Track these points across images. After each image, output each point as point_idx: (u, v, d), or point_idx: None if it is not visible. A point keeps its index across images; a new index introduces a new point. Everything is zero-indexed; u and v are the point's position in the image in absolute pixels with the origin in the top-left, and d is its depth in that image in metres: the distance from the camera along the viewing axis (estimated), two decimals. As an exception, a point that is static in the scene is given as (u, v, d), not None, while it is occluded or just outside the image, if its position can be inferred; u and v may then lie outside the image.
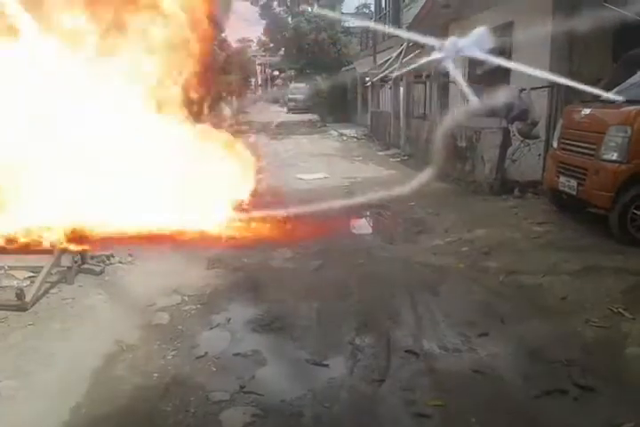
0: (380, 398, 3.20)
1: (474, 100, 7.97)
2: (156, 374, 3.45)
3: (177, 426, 2.94)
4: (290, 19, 35.99)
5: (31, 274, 5.02)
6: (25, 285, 4.82)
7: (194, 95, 5.66)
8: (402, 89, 15.78)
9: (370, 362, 3.61)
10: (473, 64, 12.70)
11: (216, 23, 5.90)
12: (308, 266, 5.51)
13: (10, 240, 4.70)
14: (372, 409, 3.11)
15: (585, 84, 8.12)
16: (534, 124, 8.96)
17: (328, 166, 12.35)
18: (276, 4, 37.95)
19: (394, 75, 15.04)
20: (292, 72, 38.40)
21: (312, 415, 3.03)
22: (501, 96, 8.74)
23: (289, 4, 36.97)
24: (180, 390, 3.27)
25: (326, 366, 3.57)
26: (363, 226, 7.75)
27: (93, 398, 3.19)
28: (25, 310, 4.37)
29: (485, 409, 3.09)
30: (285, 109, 36.63)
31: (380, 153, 15.31)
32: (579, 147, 6.70)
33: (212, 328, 4.13)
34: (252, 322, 4.22)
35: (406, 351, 3.73)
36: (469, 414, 3.03)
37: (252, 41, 49.13)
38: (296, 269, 5.46)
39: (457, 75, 8.19)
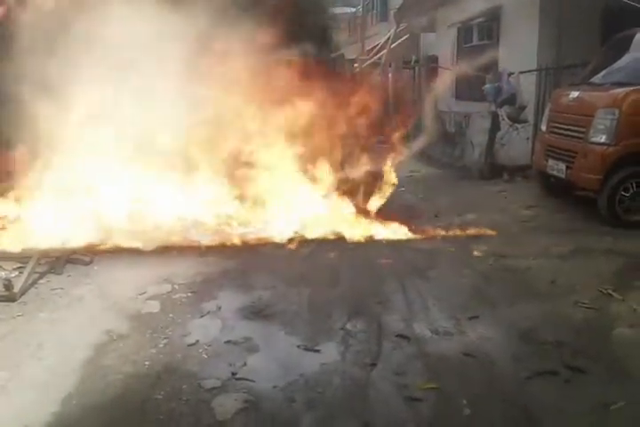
0: (372, 383, 3.20)
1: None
2: (147, 363, 3.43)
3: (169, 414, 2.93)
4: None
5: (19, 264, 4.99)
6: (13, 275, 4.79)
7: None
8: (390, 75, 15.70)
9: (361, 347, 3.61)
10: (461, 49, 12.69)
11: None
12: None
13: None
14: (364, 394, 3.11)
15: (573, 67, 8.15)
16: (522, 107, 8.98)
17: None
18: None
19: (382, 60, 14.96)
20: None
21: (304, 401, 3.03)
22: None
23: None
24: (171, 378, 3.26)
25: (318, 351, 3.57)
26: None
27: (84, 388, 3.18)
28: (14, 300, 4.34)
29: (477, 392, 3.10)
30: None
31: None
32: (567, 130, 6.71)
33: (202, 316, 4.11)
34: (242, 309, 4.21)
35: (397, 336, 3.73)
36: (461, 396, 3.04)
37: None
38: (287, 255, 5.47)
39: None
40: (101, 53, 5.42)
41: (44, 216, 5.45)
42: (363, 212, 6.27)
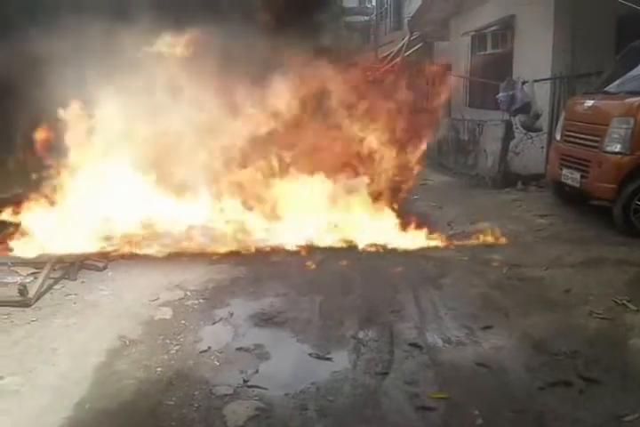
0: (384, 392, 3.19)
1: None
2: (159, 369, 3.45)
3: (181, 420, 2.93)
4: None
5: (34, 270, 5.03)
6: (28, 281, 4.82)
7: None
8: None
9: (373, 355, 3.60)
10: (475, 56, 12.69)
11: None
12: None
13: None
14: (375, 402, 3.10)
15: (587, 75, 8.12)
16: (537, 116, 8.93)
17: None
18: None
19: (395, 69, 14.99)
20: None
21: (316, 409, 3.02)
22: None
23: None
24: (183, 384, 3.27)
25: (329, 359, 3.57)
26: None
27: (97, 393, 3.19)
28: (28, 306, 4.37)
29: (489, 402, 3.08)
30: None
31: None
32: (582, 139, 6.68)
33: (214, 323, 4.12)
34: (254, 316, 4.22)
35: (410, 344, 3.72)
36: (473, 406, 3.02)
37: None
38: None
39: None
40: (125, 65, 5.53)
41: (59, 222, 5.50)
42: (378, 219, 6.27)
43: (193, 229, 5.66)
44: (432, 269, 5.25)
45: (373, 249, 5.80)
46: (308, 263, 5.40)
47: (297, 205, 6.13)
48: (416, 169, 6.97)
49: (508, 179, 9.08)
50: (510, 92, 9.06)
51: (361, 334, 3.89)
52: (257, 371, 3.42)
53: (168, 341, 3.82)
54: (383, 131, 6.63)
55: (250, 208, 6.03)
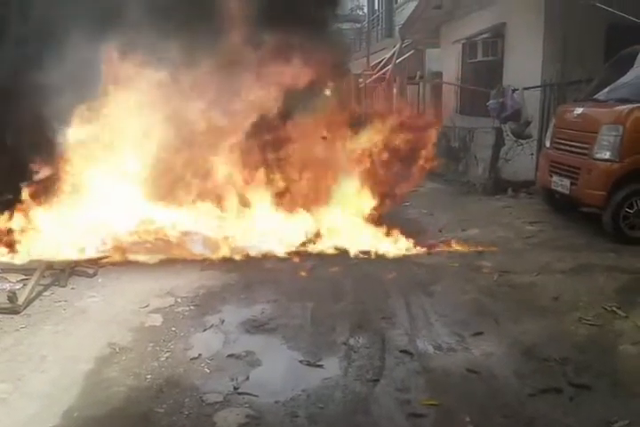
0: (375, 399, 3.19)
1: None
2: (149, 376, 3.43)
3: (171, 428, 2.92)
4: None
5: (24, 277, 5.00)
6: (17, 287, 4.80)
7: None
8: (395, 90, 15.78)
9: (364, 362, 3.60)
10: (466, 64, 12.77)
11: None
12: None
13: None
14: (366, 409, 3.09)
15: (577, 83, 8.18)
16: (527, 123, 8.98)
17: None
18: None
19: (387, 76, 15.07)
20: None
21: (306, 416, 3.01)
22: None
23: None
24: (173, 391, 3.25)
25: (320, 366, 3.56)
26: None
27: (86, 400, 3.17)
28: (17, 312, 4.34)
29: (480, 408, 3.08)
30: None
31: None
32: (571, 146, 6.72)
33: (205, 330, 4.11)
34: (245, 323, 4.20)
35: (401, 351, 3.72)
36: (464, 413, 3.02)
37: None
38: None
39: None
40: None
41: (50, 228, 5.48)
42: (370, 224, 6.28)
43: (185, 235, 5.64)
44: (423, 276, 5.25)
45: (365, 256, 5.80)
46: (300, 270, 5.39)
47: (289, 211, 6.14)
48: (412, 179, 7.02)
49: (498, 186, 9.12)
50: (500, 100, 9.11)
51: (352, 341, 3.89)
52: (247, 378, 3.41)
53: (158, 348, 3.80)
54: (377, 141, 6.68)
55: (241, 215, 6.02)
